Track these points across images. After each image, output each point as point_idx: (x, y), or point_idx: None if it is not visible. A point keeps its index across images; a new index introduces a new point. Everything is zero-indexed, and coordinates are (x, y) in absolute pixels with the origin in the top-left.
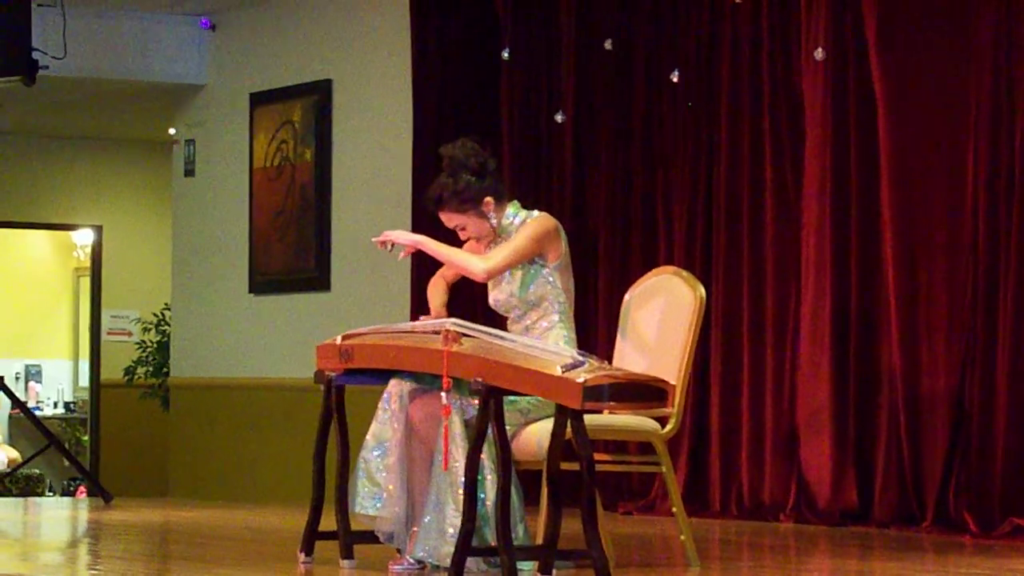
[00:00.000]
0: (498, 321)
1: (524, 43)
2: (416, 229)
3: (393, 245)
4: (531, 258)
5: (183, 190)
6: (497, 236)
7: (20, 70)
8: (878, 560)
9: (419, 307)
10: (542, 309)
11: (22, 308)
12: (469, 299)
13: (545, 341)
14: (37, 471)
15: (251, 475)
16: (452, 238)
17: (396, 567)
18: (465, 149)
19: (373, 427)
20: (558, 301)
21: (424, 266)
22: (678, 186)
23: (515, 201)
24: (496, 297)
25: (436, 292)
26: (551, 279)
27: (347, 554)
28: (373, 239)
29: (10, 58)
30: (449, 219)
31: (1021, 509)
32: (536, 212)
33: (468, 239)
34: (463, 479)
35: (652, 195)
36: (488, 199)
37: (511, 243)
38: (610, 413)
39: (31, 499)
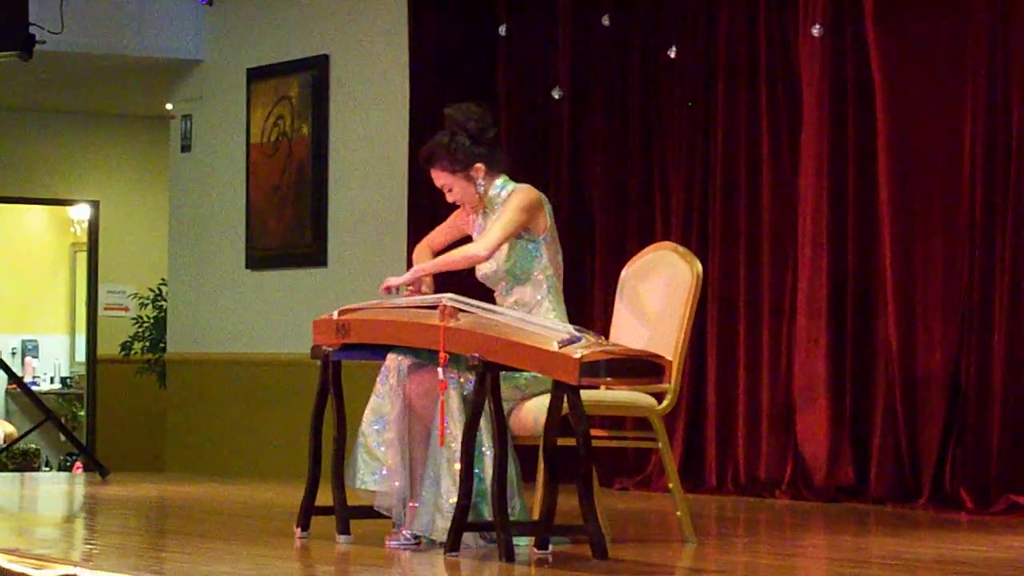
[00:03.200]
0: (487, 296)
1: (521, 19)
2: (412, 203)
3: (398, 289)
4: (520, 230)
5: (180, 165)
6: (483, 204)
7: (17, 45)
8: (874, 536)
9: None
10: (530, 284)
11: (19, 283)
12: (458, 273)
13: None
14: (33, 446)
15: (247, 450)
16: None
17: (393, 542)
18: (467, 112)
19: (372, 402)
20: (545, 275)
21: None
22: (675, 162)
23: (505, 175)
24: (483, 270)
25: (421, 259)
26: (537, 253)
27: (343, 529)
28: (381, 290)
29: (7, 33)
30: (438, 177)
31: (1017, 486)
32: (521, 184)
33: (454, 203)
34: (460, 454)
35: (649, 171)
36: (479, 165)
37: (500, 218)
38: (607, 389)
39: (27, 474)
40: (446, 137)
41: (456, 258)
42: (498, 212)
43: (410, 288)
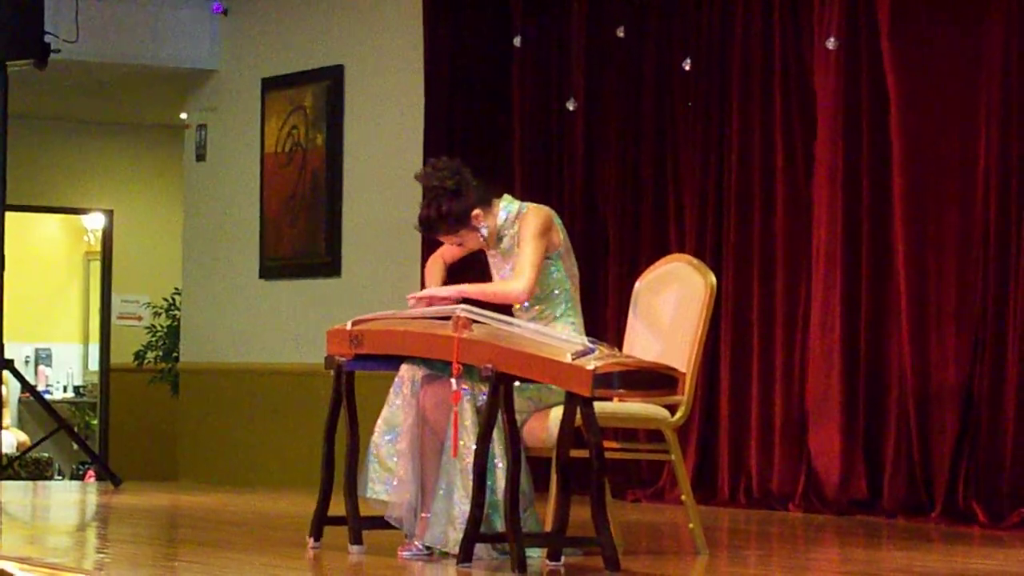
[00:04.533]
0: (502, 307)
1: (536, 30)
2: None
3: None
4: (546, 252)
5: (194, 175)
6: (498, 236)
7: (32, 53)
8: (886, 550)
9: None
10: (547, 299)
11: (33, 292)
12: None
13: (553, 328)
14: (46, 454)
15: (260, 460)
16: None
17: (405, 552)
18: (440, 174)
19: (385, 412)
20: (563, 289)
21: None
22: (689, 174)
23: (505, 195)
24: None
25: (434, 271)
26: (554, 269)
27: (356, 539)
28: (414, 296)
29: (22, 42)
30: (445, 239)
31: None
32: (526, 205)
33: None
34: (472, 466)
35: (663, 183)
36: (476, 212)
37: (524, 253)
38: (620, 401)
39: (40, 482)
40: (432, 205)
41: (495, 291)
42: (517, 244)
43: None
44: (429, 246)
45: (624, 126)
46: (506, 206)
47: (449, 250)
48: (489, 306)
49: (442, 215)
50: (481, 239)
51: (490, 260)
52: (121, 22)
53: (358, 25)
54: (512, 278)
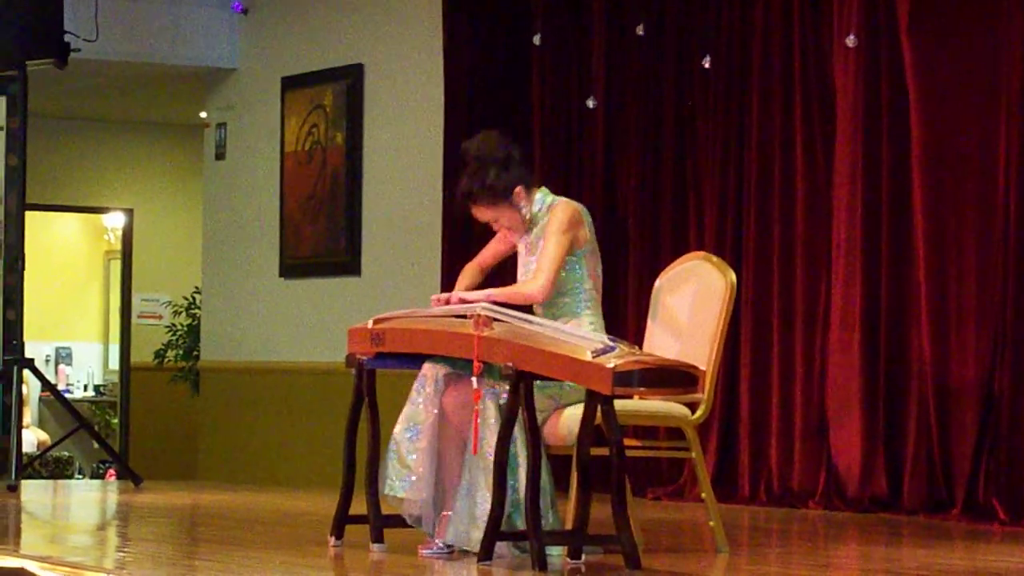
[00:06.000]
0: (525, 307)
1: (555, 28)
2: (446, 212)
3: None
4: (570, 249)
5: (214, 174)
6: (530, 224)
7: (52, 53)
8: (907, 547)
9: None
10: (568, 296)
11: (53, 291)
12: (501, 284)
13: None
14: (67, 453)
15: (281, 459)
16: (485, 233)
17: (426, 551)
18: (489, 143)
19: (406, 409)
20: (584, 288)
21: (455, 251)
22: (709, 172)
23: (543, 187)
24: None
25: (465, 276)
26: (577, 267)
27: (377, 538)
28: (438, 298)
29: (42, 41)
30: (482, 213)
31: None
32: (558, 198)
33: (502, 230)
34: (493, 463)
35: (683, 180)
36: (518, 189)
37: (546, 252)
38: (640, 398)
39: (60, 481)
40: (478, 173)
41: (513, 293)
42: (542, 237)
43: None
44: (450, 243)
45: (644, 124)
46: (542, 196)
47: (488, 254)
48: (510, 304)
49: (486, 186)
50: (520, 218)
51: (519, 250)
52: (141, 21)
53: (378, 24)
54: (530, 279)
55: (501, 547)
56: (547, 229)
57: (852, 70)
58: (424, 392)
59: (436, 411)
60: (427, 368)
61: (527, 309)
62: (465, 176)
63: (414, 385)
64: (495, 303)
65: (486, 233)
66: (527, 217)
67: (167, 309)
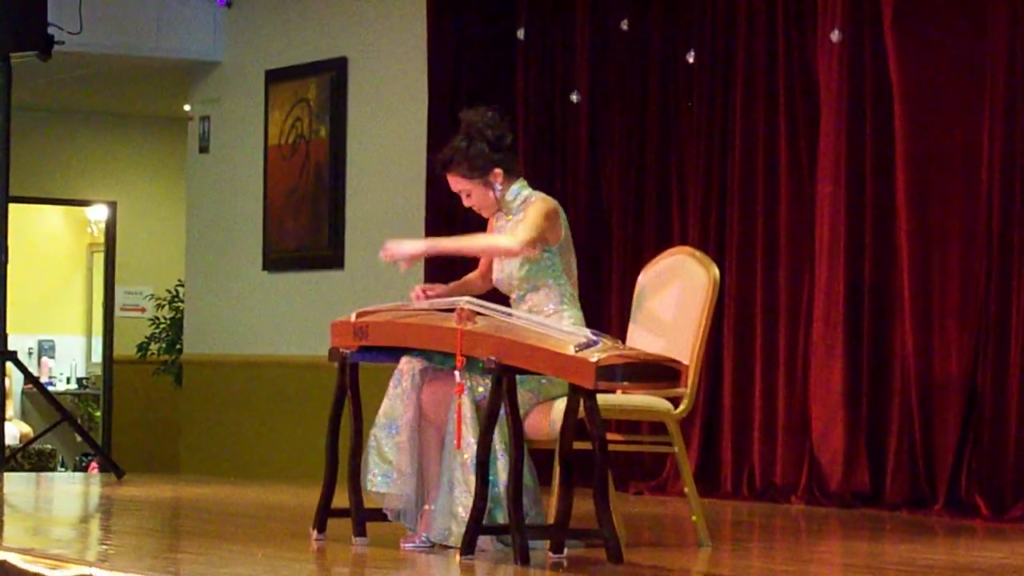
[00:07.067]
0: (502, 300)
1: (539, 22)
2: (430, 206)
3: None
4: (544, 237)
5: (198, 167)
6: (502, 211)
7: (36, 45)
8: (889, 543)
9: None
10: (543, 293)
11: (35, 283)
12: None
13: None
14: (49, 446)
15: (263, 452)
16: (468, 227)
17: (408, 544)
18: (485, 118)
19: (384, 404)
20: (559, 284)
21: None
22: (692, 167)
23: (522, 180)
24: (498, 276)
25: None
26: (551, 262)
27: (360, 532)
28: (381, 254)
29: (26, 33)
30: (455, 182)
31: None
32: (535, 193)
33: (470, 208)
34: (473, 459)
35: (666, 175)
36: (498, 170)
37: (528, 219)
38: (623, 393)
39: (43, 474)
40: (464, 142)
41: (482, 242)
42: (520, 216)
43: (406, 261)
44: (433, 236)
45: (628, 119)
46: (519, 188)
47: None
48: (490, 298)
49: (467, 155)
50: (493, 198)
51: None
52: (125, 14)
53: (362, 17)
54: (508, 234)
55: (483, 541)
56: (528, 210)
57: (836, 65)
58: (401, 386)
59: (413, 406)
60: (404, 363)
61: (504, 302)
62: (453, 141)
63: (391, 380)
64: (472, 296)
65: (468, 227)
66: (498, 200)
67: (150, 302)
